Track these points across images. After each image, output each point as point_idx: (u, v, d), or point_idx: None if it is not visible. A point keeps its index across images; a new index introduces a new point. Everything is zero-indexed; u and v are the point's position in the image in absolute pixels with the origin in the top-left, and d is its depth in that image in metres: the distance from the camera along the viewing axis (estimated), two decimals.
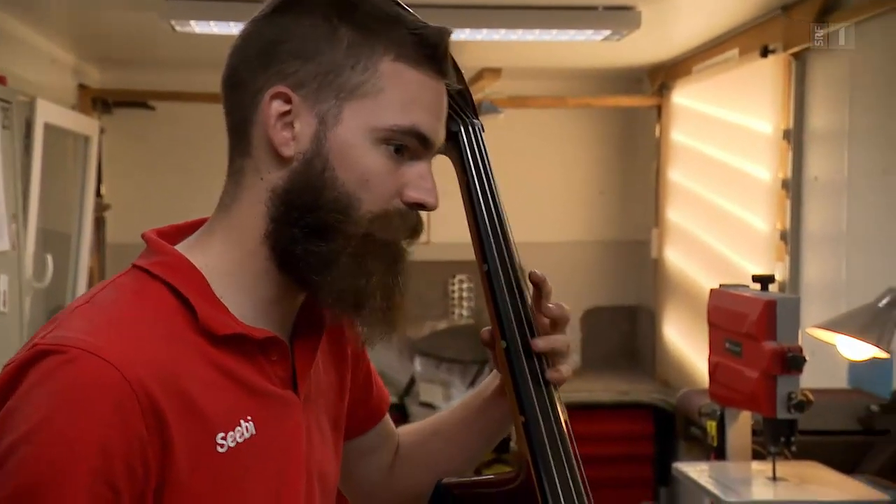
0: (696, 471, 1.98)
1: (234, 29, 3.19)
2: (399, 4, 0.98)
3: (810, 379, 2.00)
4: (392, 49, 0.94)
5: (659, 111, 4.29)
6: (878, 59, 2.79)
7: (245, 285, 0.96)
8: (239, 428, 0.91)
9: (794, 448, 1.90)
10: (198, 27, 3.32)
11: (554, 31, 3.39)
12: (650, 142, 4.39)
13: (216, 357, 0.92)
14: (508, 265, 1.08)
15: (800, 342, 1.90)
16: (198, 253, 0.96)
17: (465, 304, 4.55)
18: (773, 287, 1.96)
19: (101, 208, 4.29)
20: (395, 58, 0.94)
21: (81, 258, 3.89)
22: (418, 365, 3.74)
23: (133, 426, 0.83)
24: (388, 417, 1.23)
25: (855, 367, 2.30)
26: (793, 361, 1.82)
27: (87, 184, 3.98)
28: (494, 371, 1.14)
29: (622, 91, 4.58)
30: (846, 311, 2.10)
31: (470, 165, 1.10)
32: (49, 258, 3.30)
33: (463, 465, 1.20)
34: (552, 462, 1.03)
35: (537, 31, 3.41)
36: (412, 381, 3.72)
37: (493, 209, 1.09)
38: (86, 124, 4.02)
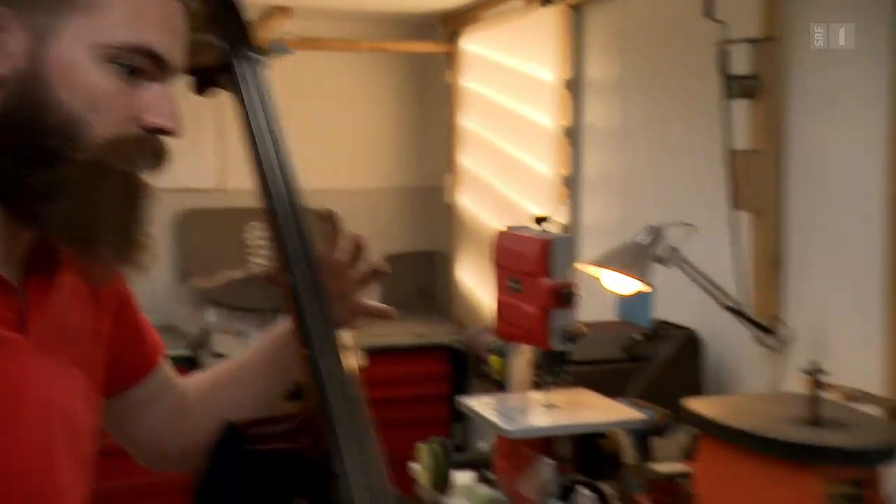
0: (480, 404, 2.06)
1: None
2: None
3: (586, 314, 2.12)
4: None
5: (450, 58, 4.34)
6: (645, 11, 2.95)
7: None
8: None
9: (569, 377, 2.01)
10: None
11: None
12: (442, 88, 4.44)
13: None
14: (287, 200, 1.06)
15: (576, 280, 2.00)
16: None
17: (262, 252, 4.49)
18: (551, 227, 2.02)
19: None
20: None
21: None
22: (212, 315, 3.67)
23: None
24: (166, 367, 1.20)
25: (623, 301, 2.45)
26: (567, 297, 1.90)
27: None
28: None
29: (416, 37, 4.59)
30: (611, 248, 2.22)
31: (248, 101, 1.07)
32: None
33: (256, 408, 1.17)
34: (335, 396, 1.01)
35: None
36: (206, 333, 3.65)
37: (271, 144, 1.06)
38: None
